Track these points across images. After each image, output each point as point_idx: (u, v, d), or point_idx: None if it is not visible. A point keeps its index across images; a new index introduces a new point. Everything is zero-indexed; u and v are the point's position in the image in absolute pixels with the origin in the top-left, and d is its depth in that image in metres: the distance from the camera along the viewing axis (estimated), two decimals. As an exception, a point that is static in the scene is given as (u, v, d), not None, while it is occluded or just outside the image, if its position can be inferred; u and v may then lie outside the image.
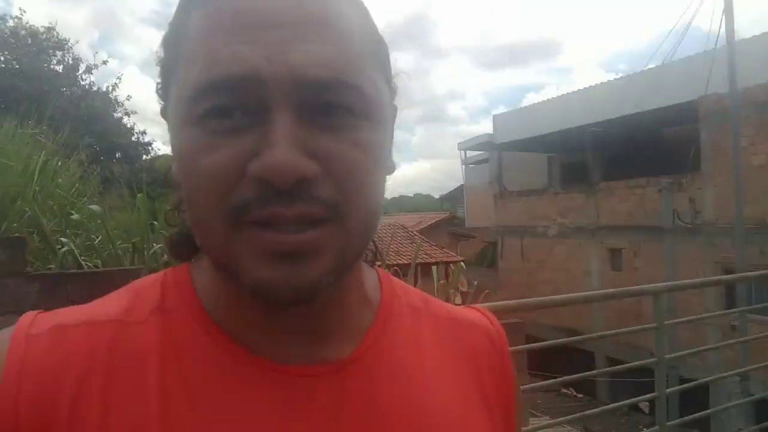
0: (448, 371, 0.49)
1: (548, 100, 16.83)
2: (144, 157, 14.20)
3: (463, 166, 23.83)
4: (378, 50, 0.42)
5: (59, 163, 5.90)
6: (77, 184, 5.97)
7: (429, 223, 20.19)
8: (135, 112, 15.02)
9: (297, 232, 0.36)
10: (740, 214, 7.81)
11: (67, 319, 0.43)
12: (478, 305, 0.58)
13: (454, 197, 31.81)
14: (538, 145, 16.85)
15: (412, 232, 16.33)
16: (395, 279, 0.53)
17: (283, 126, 0.36)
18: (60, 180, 5.48)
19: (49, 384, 0.39)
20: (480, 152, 21.80)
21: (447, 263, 15.80)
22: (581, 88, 15.41)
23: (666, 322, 2.67)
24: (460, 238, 20.55)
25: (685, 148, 11.29)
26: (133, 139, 14.47)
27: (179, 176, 0.40)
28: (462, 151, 22.50)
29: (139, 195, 4.20)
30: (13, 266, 2.60)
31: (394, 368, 0.46)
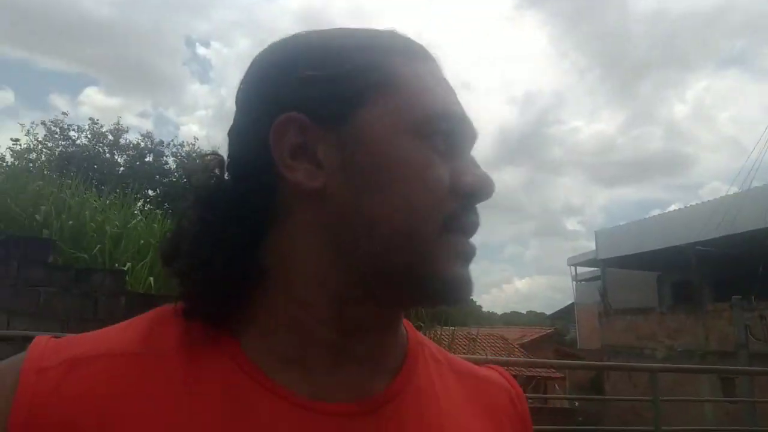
0: (472, 420, 0.50)
1: (651, 217, 16.75)
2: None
3: (574, 283, 23.37)
4: None
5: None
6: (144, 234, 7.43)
7: (532, 338, 19.71)
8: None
9: (471, 239, 0.47)
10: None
11: (82, 351, 0.41)
12: (494, 365, 0.60)
13: (565, 315, 30.60)
14: (643, 262, 16.51)
15: (512, 344, 16.13)
16: (416, 329, 0.55)
17: (474, 158, 0.48)
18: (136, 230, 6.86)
19: (65, 422, 0.38)
20: (591, 269, 21.42)
21: (546, 378, 15.29)
22: (683, 206, 15.26)
23: (661, 398, 3.13)
24: (567, 358, 19.77)
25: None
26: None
27: (381, 185, 0.43)
28: (571, 267, 22.24)
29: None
30: (116, 288, 4.15)
31: (423, 411, 0.47)
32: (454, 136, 0.46)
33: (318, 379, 0.44)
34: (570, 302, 26.24)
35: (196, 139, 17.64)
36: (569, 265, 22.09)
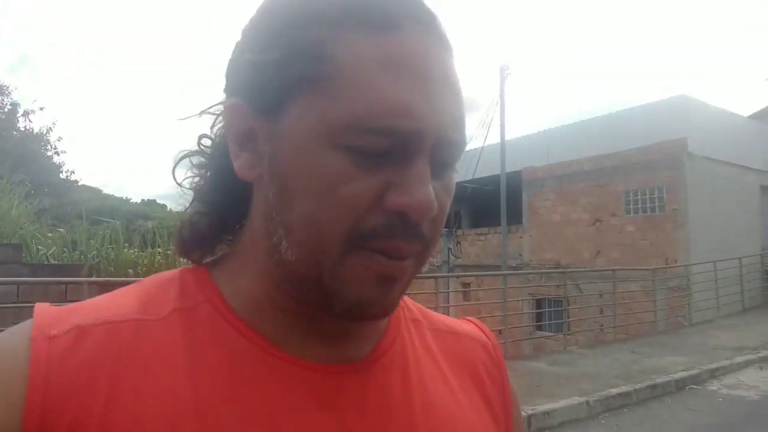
0: (453, 377, 0.52)
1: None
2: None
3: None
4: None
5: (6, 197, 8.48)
6: (20, 215, 8.50)
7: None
8: (64, 152, 17.01)
9: (398, 260, 0.41)
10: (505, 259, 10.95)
11: (86, 319, 0.42)
12: (472, 318, 0.61)
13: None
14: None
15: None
16: None
17: (424, 170, 0.39)
18: (14, 211, 8.01)
19: (78, 388, 0.39)
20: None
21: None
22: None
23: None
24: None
25: (519, 206, 14.81)
26: (61, 176, 16.41)
27: (294, 189, 0.41)
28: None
29: (81, 223, 7.09)
30: (16, 258, 5.18)
31: (406, 369, 0.49)
32: (389, 147, 0.39)
33: (306, 344, 0.45)
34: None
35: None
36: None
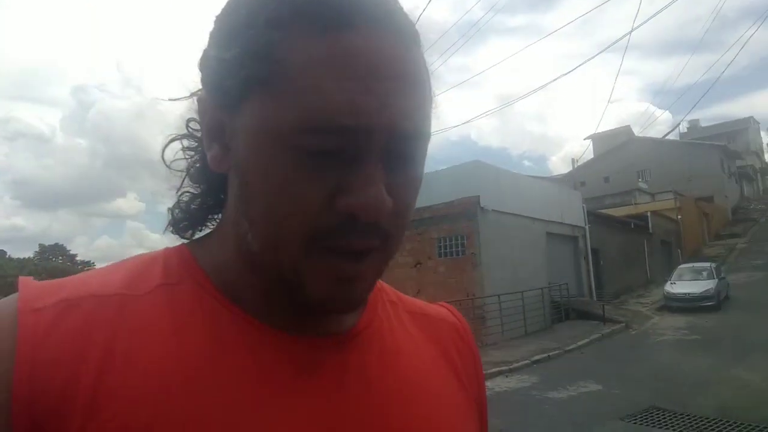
0: (426, 355, 0.56)
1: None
2: None
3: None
4: (432, 94, 0.47)
5: None
6: None
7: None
8: None
9: (357, 261, 0.43)
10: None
11: (72, 293, 0.43)
12: (444, 303, 0.64)
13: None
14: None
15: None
16: None
17: (374, 169, 0.41)
18: None
19: (67, 357, 0.39)
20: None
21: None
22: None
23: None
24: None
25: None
26: None
27: (252, 186, 0.43)
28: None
29: None
30: None
31: (385, 346, 0.52)
32: (338, 146, 0.40)
33: (287, 318, 0.47)
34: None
35: None
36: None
